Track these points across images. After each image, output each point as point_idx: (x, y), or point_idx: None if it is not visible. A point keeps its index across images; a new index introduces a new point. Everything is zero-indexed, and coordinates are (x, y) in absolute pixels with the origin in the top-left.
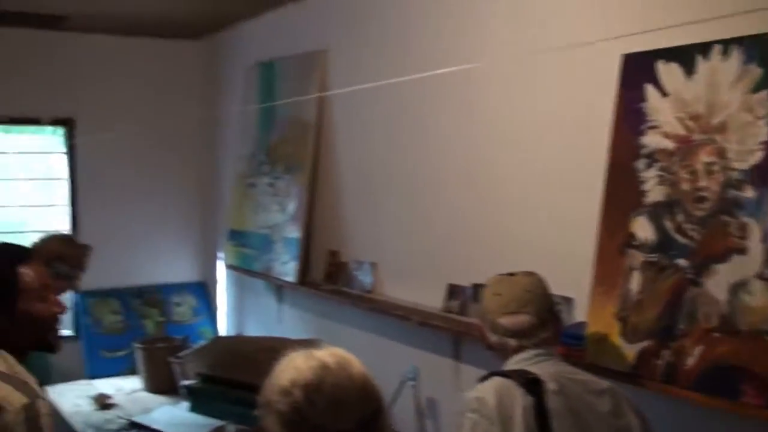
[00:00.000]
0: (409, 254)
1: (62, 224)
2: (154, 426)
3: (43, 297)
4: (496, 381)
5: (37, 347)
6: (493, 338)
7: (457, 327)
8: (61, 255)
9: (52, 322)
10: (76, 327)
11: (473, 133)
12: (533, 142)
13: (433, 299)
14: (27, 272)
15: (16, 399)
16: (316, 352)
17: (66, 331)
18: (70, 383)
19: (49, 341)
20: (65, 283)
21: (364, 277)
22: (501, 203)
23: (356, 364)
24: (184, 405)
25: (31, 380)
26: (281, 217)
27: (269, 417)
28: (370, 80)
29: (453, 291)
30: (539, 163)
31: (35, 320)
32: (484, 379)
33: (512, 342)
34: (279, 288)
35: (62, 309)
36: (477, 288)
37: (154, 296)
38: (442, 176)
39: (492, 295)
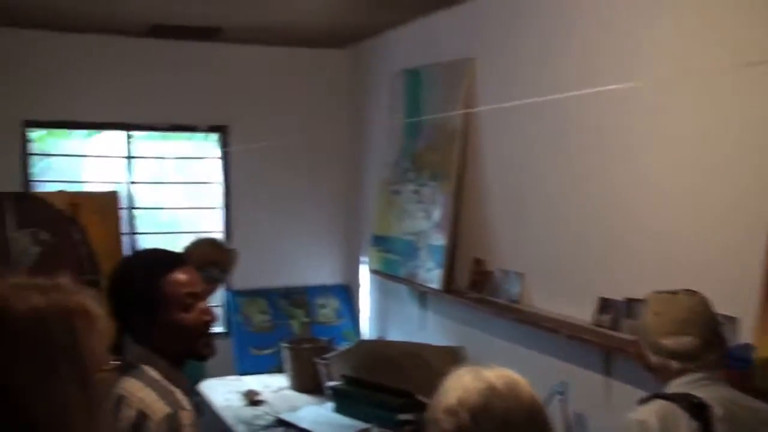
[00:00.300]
0: (558, 265)
1: (215, 226)
2: (301, 424)
3: (188, 306)
4: (660, 404)
5: (185, 356)
6: (654, 359)
7: (608, 342)
8: (213, 259)
9: (200, 330)
10: (228, 324)
11: (632, 151)
12: (696, 160)
13: (582, 312)
14: (175, 279)
15: (160, 408)
16: (484, 372)
17: (218, 329)
18: (221, 378)
19: (197, 350)
20: (215, 286)
21: (511, 287)
22: (659, 216)
23: (525, 387)
24: (329, 405)
25: (178, 390)
26: (426, 224)
27: None
28: (520, 91)
29: (604, 304)
30: (702, 179)
31: (181, 329)
32: (645, 401)
33: (675, 364)
34: (422, 294)
35: (211, 317)
36: (630, 302)
37: (300, 297)
38: (596, 188)
39: (653, 315)
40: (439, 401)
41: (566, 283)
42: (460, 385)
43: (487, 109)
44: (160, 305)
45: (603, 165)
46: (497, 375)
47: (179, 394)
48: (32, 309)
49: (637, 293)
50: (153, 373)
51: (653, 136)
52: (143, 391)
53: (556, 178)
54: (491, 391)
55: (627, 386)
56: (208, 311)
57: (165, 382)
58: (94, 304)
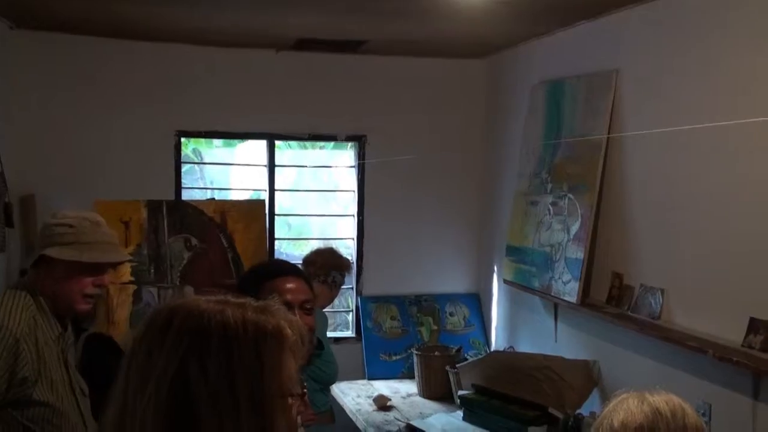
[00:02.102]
0: (703, 282)
1: (348, 233)
2: (430, 431)
3: None
4: None
5: None
6: None
7: (757, 364)
8: (335, 264)
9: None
10: (358, 329)
11: None
12: None
13: (726, 331)
14: (272, 286)
15: None
16: (649, 397)
17: (348, 333)
18: (352, 382)
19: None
20: (337, 291)
21: (652, 303)
22: None
23: (691, 414)
24: (459, 414)
25: None
26: (564, 236)
27: None
28: (665, 104)
29: (755, 325)
30: None
31: None
32: None
33: None
34: (556, 306)
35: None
36: None
37: (430, 305)
38: (747, 202)
39: None
40: (602, 424)
41: (711, 301)
42: (625, 407)
43: (630, 134)
44: None
45: (753, 178)
46: (664, 400)
47: None
48: (247, 321)
49: None
50: None
51: None
52: None
53: (704, 192)
54: (656, 415)
55: None
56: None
57: None
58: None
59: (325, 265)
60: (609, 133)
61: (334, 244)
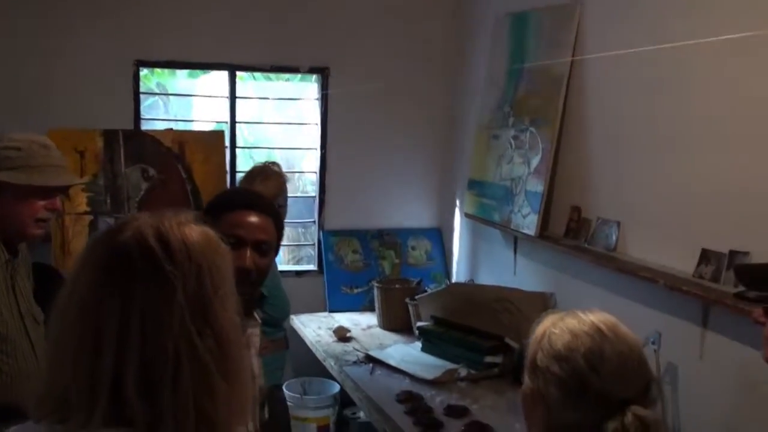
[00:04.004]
0: (658, 215)
1: (311, 167)
2: (389, 361)
3: (232, 247)
4: None
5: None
6: None
7: (707, 294)
8: (283, 188)
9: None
10: (320, 262)
11: (743, 102)
12: None
13: (681, 263)
14: (228, 219)
15: None
16: (584, 317)
17: (310, 266)
18: (313, 314)
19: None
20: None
21: (608, 235)
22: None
23: (627, 331)
24: (418, 345)
25: None
26: (524, 170)
27: (543, 381)
28: (628, 36)
29: (706, 256)
30: None
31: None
32: None
33: None
34: (515, 239)
35: (246, 267)
36: (733, 254)
37: (392, 239)
38: (702, 137)
39: None
40: (544, 348)
41: (666, 233)
42: (566, 329)
43: (588, 48)
44: None
45: (710, 114)
46: (599, 319)
47: None
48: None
49: (741, 245)
50: None
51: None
52: None
53: (661, 126)
54: (601, 336)
55: (723, 338)
56: (243, 258)
57: None
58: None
59: (275, 188)
60: (572, 67)
61: (282, 171)
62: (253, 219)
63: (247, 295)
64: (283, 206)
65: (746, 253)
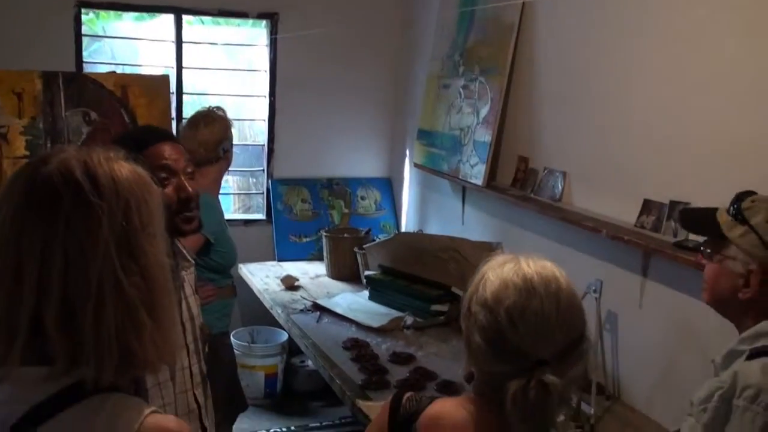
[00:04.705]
0: (602, 166)
1: (260, 114)
2: (336, 309)
3: (162, 180)
4: None
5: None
6: None
7: (648, 243)
8: (228, 133)
9: (175, 206)
10: (269, 211)
11: (685, 54)
12: (749, 61)
13: (623, 213)
14: (152, 152)
15: None
16: (525, 266)
17: (258, 215)
18: (261, 263)
19: (174, 225)
20: (227, 162)
21: (554, 186)
22: (707, 119)
23: (564, 286)
24: (365, 293)
25: None
26: (473, 120)
27: (470, 323)
28: None
29: (648, 206)
30: (754, 83)
31: None
32: (753, 354)
33: None
34: (463, 189)
35: (187, 194)
36: (673, 204)
37: (342, 188)
38: (645, 90)
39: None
40: (476, 293)
41: (610, 184)
42: (500, 277)
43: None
44: None
45: (652, 67)
46: (536, 270)
47: None
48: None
49: (682, 196)
50: None
51: (707, 38)
52: None
53: (606, 78)
54: (530, 292)
55: (662, 287)
56: (183, 188)
57: None
58: None
59: (219, 133)
60: (522, 16)
61: (227, 116)
62: (173, 149)
63: (198, 218)
64: (229, 151)
65: (687, 203)
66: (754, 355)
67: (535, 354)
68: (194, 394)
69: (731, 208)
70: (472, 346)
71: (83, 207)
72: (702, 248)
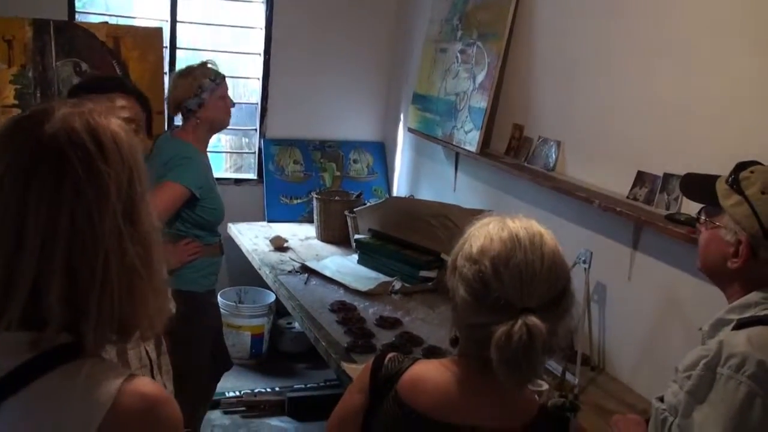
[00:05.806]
0: (597, 137)
1: (255, 72)
2: (324, 272)
3: None
4: None
5: None
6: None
7: (639, 214)
8: (190, 93)
9: None
10: (260, 171)
11: (683, 29)
12: (746, 38)
13: (617, 185)
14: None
15: None
16: (510, 223)
17: (250, 175)
18: (250, 223)
19: None
20: (204, 120)
21: (548, 155)
22: (703, 95)
23: (549, 241)
24: (354, 257)
25: None
26: (469, 85)
27: (455, 279)
28: None
29: (641, 178)
30: (753, 59)
31: None
32: (740, 325)
33: None
34: (457, 156)
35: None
36: (667, 177)
37: (335, 151)
38: (644, 62)
39: (762, 195)
40: (462, 248)
41: (604, 155)
42: (485, 233)
43: None
44: None
45: (652, 40)
46: (523, 226)
47: None
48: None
49: (675, 168)
50: None
51: (706, 10)
52: None
53: (604, 49)
54: (514, 243)
55: (651, 260)
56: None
57: None
58: None
59: (177, 99)
60: None
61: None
62: (122, 101)
63: None
64: (197, 110)
65: (680, 176)
66: (741, 325)
67: (521, 303)
68: (146, 350)
69: (730, 177)
70: (457, 301)
71: (92, 174)
72: (698, 215)
